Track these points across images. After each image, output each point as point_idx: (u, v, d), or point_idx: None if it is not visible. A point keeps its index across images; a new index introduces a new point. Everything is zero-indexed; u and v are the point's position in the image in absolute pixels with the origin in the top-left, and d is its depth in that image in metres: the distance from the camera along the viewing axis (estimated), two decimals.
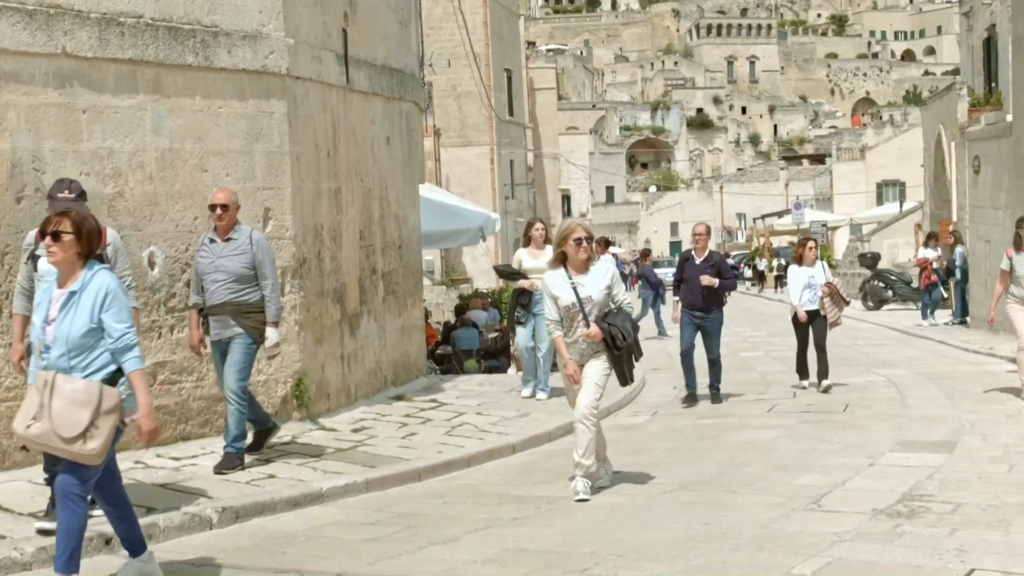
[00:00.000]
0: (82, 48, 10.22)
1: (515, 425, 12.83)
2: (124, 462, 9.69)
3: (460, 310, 21.08)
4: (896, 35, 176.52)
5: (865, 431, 12.12)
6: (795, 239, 54.05)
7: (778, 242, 62.98)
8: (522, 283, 14.54)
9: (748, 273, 61.11)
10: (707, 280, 14.59)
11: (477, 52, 47.57)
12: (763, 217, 68.26)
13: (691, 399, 15.08)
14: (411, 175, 16.33)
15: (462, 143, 51.45)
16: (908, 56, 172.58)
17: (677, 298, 15.25)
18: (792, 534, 7.66)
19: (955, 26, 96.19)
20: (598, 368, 9.33)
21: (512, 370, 18.18)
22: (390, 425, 12.49)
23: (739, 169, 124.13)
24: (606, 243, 27.13)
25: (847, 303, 16.05)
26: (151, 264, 10.71)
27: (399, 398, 14.22)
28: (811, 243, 16.33)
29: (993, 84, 31.91)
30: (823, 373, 15.60)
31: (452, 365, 18.48)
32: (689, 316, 14.94)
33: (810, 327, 15.81)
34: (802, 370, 16.12)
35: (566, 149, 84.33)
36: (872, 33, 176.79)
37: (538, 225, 15.20)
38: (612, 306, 9.38)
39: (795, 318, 15.99)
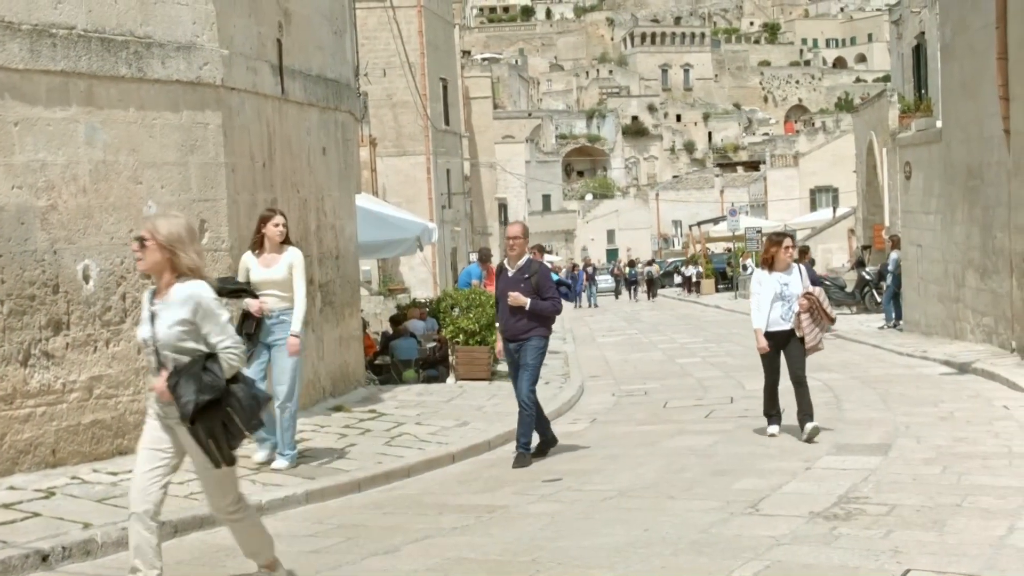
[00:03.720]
0: (13, 60, 10.11)
1: (454, 434, 12.83)
2: (60, 477, 9.64)
3: (398, 320, 21.01)
4: (828, 43, 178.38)
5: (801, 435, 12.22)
6: (732, 245, 54.92)
7: (715, 248, 63.42)
8: (249, 304, 10.57)
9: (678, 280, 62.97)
10: (516, 299, 11.33)
11: (412, 62, 47.50)
12: (699, 224, 68.68)
13: (521, 459, 11.42)
14: (347, 185, 16.29)
15: (398, 153, 51.34)
16: (840, 63, 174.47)
17: (499, 324, 11.94)
18: (731, 538, 7.72)
19: (885, 34, 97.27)
20: (200, 451, 6.45)
21: (451, 379, 18.17)
22: (329, 436, 12.44)
23: (674, 176, 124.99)
24: (540, 249, 27.10)
25: (832, 320, 12.22)
26: (86, 277, 10.61)
27: (338, 409, 14.17)
28: (788, 241, 12.26)
29: (923, 91, 32.34)
30: (806, 414, 11.82)
31: (391, 375, 18.43)
32: (509, 351, 11.64)
33: (782, 353, 12.08)
34: (772, 409, 12.33)
35: (502, 158, 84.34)
36: (804, 41, 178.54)
37: (277, 219, 10.81)
38: (198, 351, 6.38)
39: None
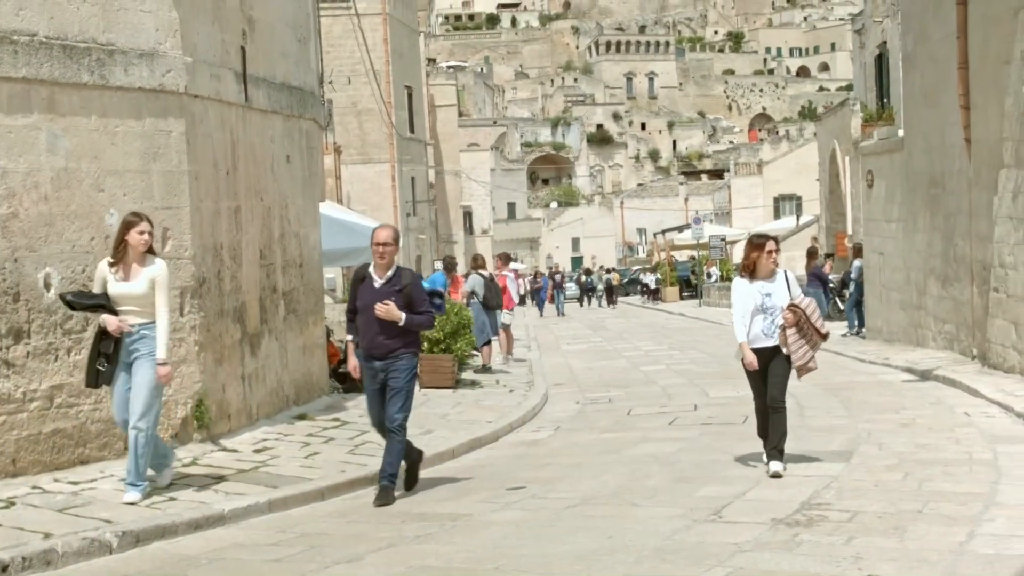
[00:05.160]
0: None
1: (418, 443, 12.74)
2: (20, 487, 9.57)
3: None
4: (791, 52, 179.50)
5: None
6: (696, 253, 55.21)
7: (679, 256, 63.61)
8: (106, 321, 9.57)
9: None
10: (389, 311, 9.89)
11: (377, 69, 47.54)
12: (663, 232, 68.89)
13: (385, 494, 9.99)
14: (311, 193, 16.26)
15: (363, 160, 51.32)
16: (803, 72, 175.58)
17: (351, 337, 10.53)
18: (694, 545, 7.74)
19: (848, 43, 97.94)
20: None
21: (416, 386, 18.10)
22: (292, 445, 12.40)
23: (639, 184, 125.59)
24: (506, 258, 27.09)
25: (824, 337, 10.50)
26: (47, 286, 10.53)
27: (301, 417, 14.13)
28: (771, 244, 10.59)
29: (885, 100, 32.60)
30: (775, 447, 10.38)
31: (355, 383, 18.36)
32: (370, 371, 10.20)
33: (766, 372, 10.44)
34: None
35: (467, 166, 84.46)
36: (768, 50, 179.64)
37: (143, 226, 9.70)
38: None
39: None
